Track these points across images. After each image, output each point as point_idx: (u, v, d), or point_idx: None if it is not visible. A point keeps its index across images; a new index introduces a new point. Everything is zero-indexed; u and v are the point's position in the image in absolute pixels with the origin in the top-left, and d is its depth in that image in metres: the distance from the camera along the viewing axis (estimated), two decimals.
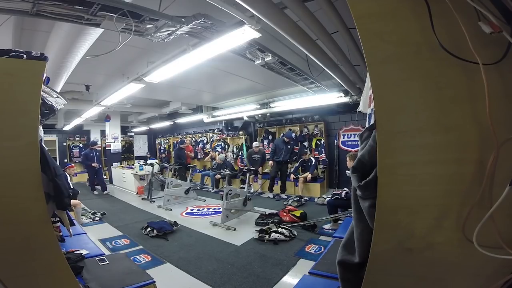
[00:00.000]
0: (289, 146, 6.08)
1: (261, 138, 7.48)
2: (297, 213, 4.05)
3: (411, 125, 0.87)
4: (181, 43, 2.69)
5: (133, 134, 11.67)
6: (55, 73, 3.05)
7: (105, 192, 7.05)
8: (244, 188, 6.30)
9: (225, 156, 7.67)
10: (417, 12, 0.84)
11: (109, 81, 4.75)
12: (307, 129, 6.67)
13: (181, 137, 10.05)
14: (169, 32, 2.22)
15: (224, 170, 5.97)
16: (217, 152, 8.09)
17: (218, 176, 6.93)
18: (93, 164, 7.01)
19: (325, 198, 5.07)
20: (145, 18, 2.02)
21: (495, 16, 0.77)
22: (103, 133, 10.13)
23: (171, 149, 10.56)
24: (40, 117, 1.28)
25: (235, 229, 3.82)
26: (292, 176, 6.25)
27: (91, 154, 7.17)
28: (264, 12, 1.88)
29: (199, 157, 9.28)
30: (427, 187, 0.88)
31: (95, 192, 7.03)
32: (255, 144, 6.78)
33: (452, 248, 0.88)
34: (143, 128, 11.28)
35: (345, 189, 4.01)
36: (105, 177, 8.36)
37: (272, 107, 6.24)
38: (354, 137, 6.02)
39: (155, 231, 3.67)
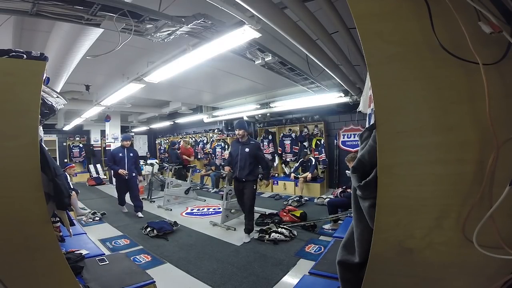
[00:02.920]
0: (246, 150, 3.46)
1: (261, 138, 7.48)
2: (297, 213, 4.05)
3: (411, 125, 0.87)
4: (181, 43, 2.69)
5: (133, 134, 11.67)
6: (55, 73, 3.05)
7: (138, 213, 4.74)
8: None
9: (224, 157, 7.70)
10: (417, 12, 0.84)
11: (109, 81, 4.75)
12: (307, 129, 6.67)
13: (180, 137, 10.09)
14: (169, 32, 2.22)
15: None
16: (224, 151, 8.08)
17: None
18: (119, 171, 4.57)
19: (325, 198, 5.08)
20: (145, 18, 2.02)
21: (495, 16, 0.77)
22: (103, 133, 10.15)
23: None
24: (40, 117, 1.28)
25: (235, 229, 3.82)
26: (292, 175, 6.25)
27: (120, 155, 4.70)
28: (264, 12, 1.88)
29: (199, 157, 9.28)
30: (427, 187, 0.88)
31: (125, 210, 4.95)
32: None
33: (452, 248, 0.88)
34: (143, 128, 11.28)
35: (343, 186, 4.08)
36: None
37: (272, 107, 6.23)
38: (354, 137, 6.02)
39: (155, 231, 3.67)
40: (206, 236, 3.68)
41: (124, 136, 5.09)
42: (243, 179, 3.46)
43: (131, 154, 4.82)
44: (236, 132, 3.58)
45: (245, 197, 3.50)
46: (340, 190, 4.12)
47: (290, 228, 3.55)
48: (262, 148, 7.28)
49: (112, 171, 4.94)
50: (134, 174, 4.81)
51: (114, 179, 4.95)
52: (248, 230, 3.50)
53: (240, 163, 3.48)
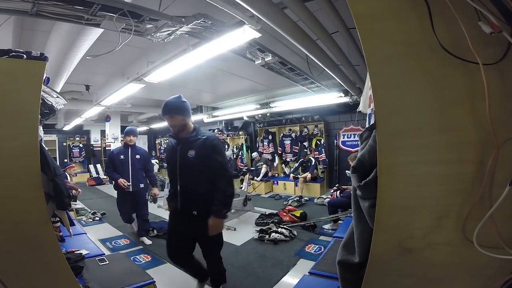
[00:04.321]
0: (191, 154, 1.75)
1: (261, 138, 7.49)
2: (297, 213, 4.05)
3: (411, 125, 0.88)
4: (181, 43, 2.69)
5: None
6: (55, 73, 3.05)
7: (144, 239, 3.42)
8: (243, 188, 6.30)
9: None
10: (417, 12, 0.84)
11: (109, 81, 4.75)
12: (307, 129, 6.68)
13: None
14: (169, 32, 2.22)
15: None
16: None
17: None
18: (119, 181, 3.14)
19: (325, 198, 5.08)
20: (145, 18, 2.02)
21: (495, 16, 0.77)
22: (103, 133, 10.14)
23: None
24: (40, 117, 1.28)
25: (235, 229, 3.82)
26: (291, 176, 6.24)
27: (122, 157, 3.24)
28: (264, 12, 1.88)
29: None
30: (427, 187, 0.88)
31: (134, 229, 3.63)
32: (254, 154, 6.83)
33: (452, 248, 0.88)
34: (143, 128, 11.28)
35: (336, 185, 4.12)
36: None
37: (272, 107, 6.23)
38: (354, 137, 6.02)
39: (155, 231, 3.67)
40: None
41: (128, 129, 3.33)
42: (194, 212, 1.74)
43: (138, 156, 3.28)
44: (167, 121, 1.85)
45: (206, 244, 1.87)
46: (337, 191, 4.09)
47: (290, 228, 3.55)
48: (262, 147, 7.40)
49: (112, 181, 3.31)
50: (142, 186, 3.29)
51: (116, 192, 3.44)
52: (217, 283, 2.05)
53: (181, 181, 1.80)
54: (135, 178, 3.28)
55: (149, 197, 3.29)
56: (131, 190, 3.23)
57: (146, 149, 11.69)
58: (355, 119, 5.90)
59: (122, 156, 3.27)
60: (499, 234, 0.80)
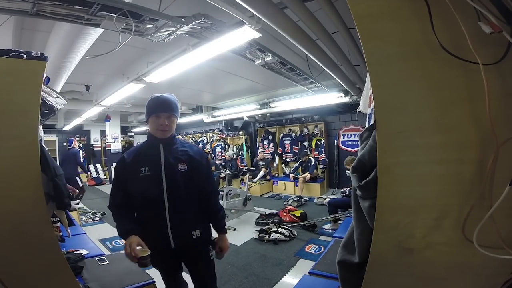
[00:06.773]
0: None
1: (261, 138, 7.49)
2: (297, 213, 4.05)
3: (411, 125, 0.87)
4: (181, 43, 2.69)
5: (133, 134, 11.66)
6: (55, 73, 3.05)
7: None
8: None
9: (224, 157, 7.71)
10: (417, 12, 0.84)
11: (109, 81, 4.75)
12: (307, 129, 6.67)
13: (180, 137, 10.12)
14: (169, 32, 2.22)
15: (224, 170, 5.95)
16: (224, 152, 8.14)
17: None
18: (126, 247, 1.25)
19: (325, 198, 5.08)
20: (145, 18, 2.02)
21: (495, 16, 0.77)
22: (103, 133, 10.14)
23: None
24: (40, 117, 1.28)
25: (235, 229, 3.82)
26: (291, 176, 6.25)
27: (145, 171, 1.28)
28: (264, 12, 1.88)
29: None
30: (427, 187, 0.88)
31: None
32: (260, 151, 6.91)
33: (452, 248, 0.88)
34: (143, 128, 11.27)
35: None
36: None
37: (272, 107, 6.23)
38: (354, 137, 6.02)
39: None
40: None
41: (160, 100, 1.50)
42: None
43: (183, 167, 1.34)
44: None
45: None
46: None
47: (290, 228, 3.55)
48: (262, 147, 7.39)
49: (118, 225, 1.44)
50: (197, 235, 1.39)
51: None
52: None
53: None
54: (179, 217, 1.37)
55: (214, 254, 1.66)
56: (172, 246, 1.37)
57: None
58: (355, 119, 5.89)
59: (144, 169, 1.32)
60: (499, 234, 0.80)
